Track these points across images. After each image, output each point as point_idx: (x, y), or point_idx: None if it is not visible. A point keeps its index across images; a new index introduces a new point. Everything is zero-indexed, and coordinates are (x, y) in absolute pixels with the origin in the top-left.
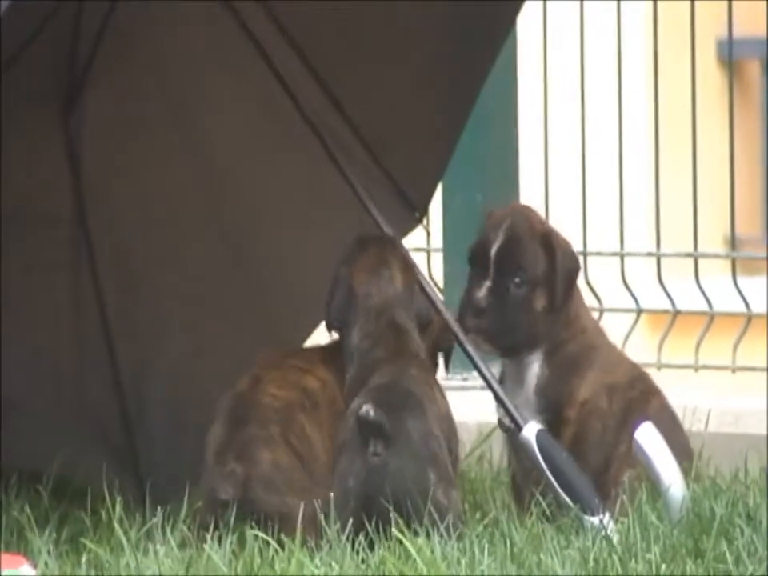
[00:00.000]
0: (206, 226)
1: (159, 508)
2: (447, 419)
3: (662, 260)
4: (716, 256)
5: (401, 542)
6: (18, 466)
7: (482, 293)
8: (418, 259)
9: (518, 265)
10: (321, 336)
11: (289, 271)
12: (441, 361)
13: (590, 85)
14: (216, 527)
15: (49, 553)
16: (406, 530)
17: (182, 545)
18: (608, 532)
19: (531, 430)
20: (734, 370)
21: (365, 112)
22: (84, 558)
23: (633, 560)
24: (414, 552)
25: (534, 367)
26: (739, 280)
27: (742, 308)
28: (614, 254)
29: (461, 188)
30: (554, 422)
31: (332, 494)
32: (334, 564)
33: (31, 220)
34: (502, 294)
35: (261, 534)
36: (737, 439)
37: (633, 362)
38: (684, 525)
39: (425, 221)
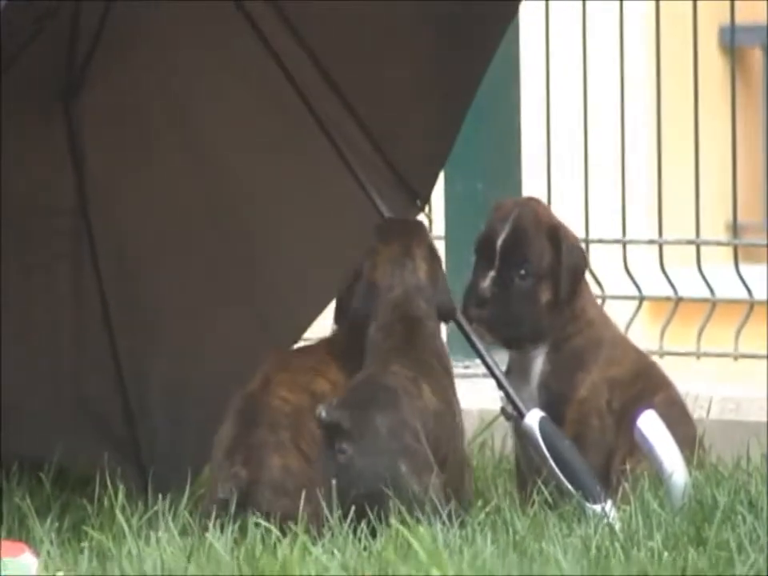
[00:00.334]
0: (206, 219)
1: (161, 496)
2: (438, 416)
3: (664, 247)
4: (718, 243)
5: (403, 531)
6: (20, 455)
7: (486, 283)
8: None
9: (523, 257)
10: (321, 329)
11: (290, 263)
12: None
13: (592, 72)
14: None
15: (51, 540)
16: (408, 518)
17: (184, 532)
18: (610, 520)
19: (534, 418)
20: (735, 358)
21: (366, 101)
22: (86, 546)
23: (635, 548)
24: (415, 542)
25: (539, 362)
26: (741, 267)
27: (744, 295)
28: (616, 242)
29: (463, 176)
30: (555, 419)
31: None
32: (336, 552)
33: (32, 213)
34: (507, 286)
35: (263, 522)
36: (738, 426)
37: (641, 355)
38: (686, 512)
39: (427, 209)
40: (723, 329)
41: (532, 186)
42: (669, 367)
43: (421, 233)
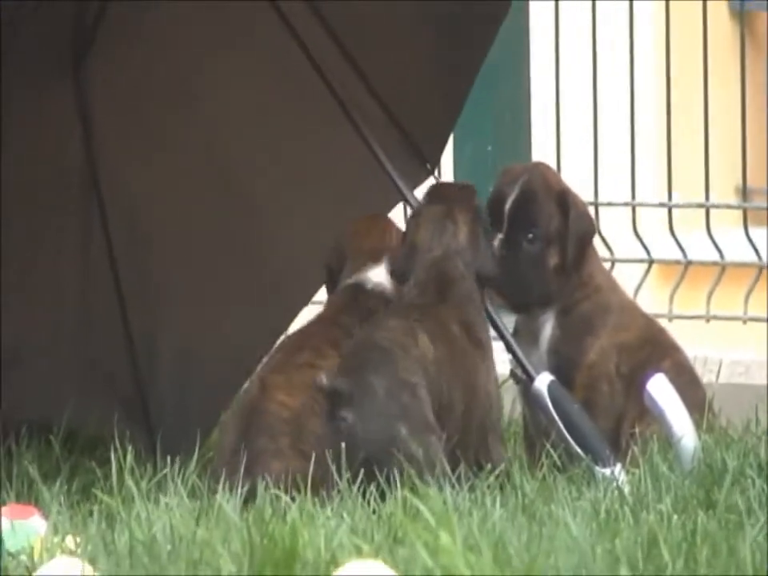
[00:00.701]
0: (218, 183)
1: (170, 459)
2: (438, 364)
3: (674, 211)
4: (727, 206)
5: (412, 493)
6: (29, 417)
7: (494, 245)
8: None
9: (531, 220)
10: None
11: (302, 226)
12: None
13: (601, 36)
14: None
15: (59, 503)
16: (416, 482)
17: (193, 496)
18: (619, 483)
19: (543, 381)
20: (745, 321)
21: (376, 66)
22: (95, 509)
23: (644, 511)
24: (423, 505)
25: (548, 327)
26: (750, 231)
27: (753, 259)
28: (626, 205)
29: (472, 139)
30: (564, 383)
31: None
32: (345, 515)
33: (41, 177)
34: (515, 249)
35: (271, 488)
36: (748, 390)
37: (649, 320)
38: (695, 476)
39: (436, 172)
40: (732, 292)
41: (541, 148)
42: (678, 331)
43: (466, 197)
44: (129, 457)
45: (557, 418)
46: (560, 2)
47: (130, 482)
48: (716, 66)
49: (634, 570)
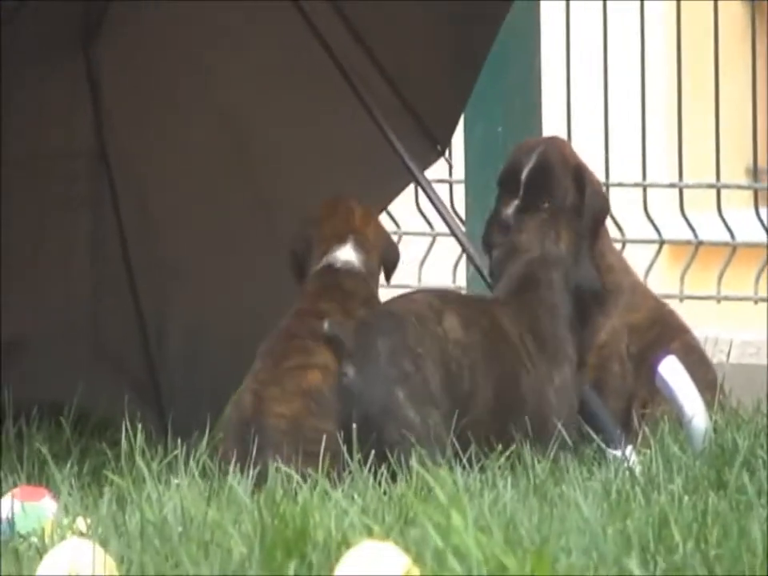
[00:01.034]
0: (228, 161)
1: (180, 440)
2: (466, 348)
3: (684, 191)
4: (738, 187)
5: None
6: (40, 399)
7: (509, 210)
8: (440, 191)
9: (548, 189)
10: None
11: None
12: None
13: (612, 16)
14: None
15: (70, 485)
16: (428, 463)
17: (204, 476)
18: (630, 464)
19: None
20: (756, 301)
21: (387, 47)
22: (106, 490)
23: (655, 491)
24: (435, 486)
25: None
26: (761, 211)
27: (763, 239)
28: (637, 185)
29: (483, 120)
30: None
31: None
32: (356, 496)
33: (52, 156)
34: (530, 215)
35: (282, 467)
36: (759, 370)
37: (658, 302)
38: (706, 456)
39: (447, 153)
40: (743, 273)
41: (552, 129)
42: (689, 311)
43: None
44: (139, 438)
45: None
46: None
47: (140, 463)
48: (727, 48)
49: (645, 551)
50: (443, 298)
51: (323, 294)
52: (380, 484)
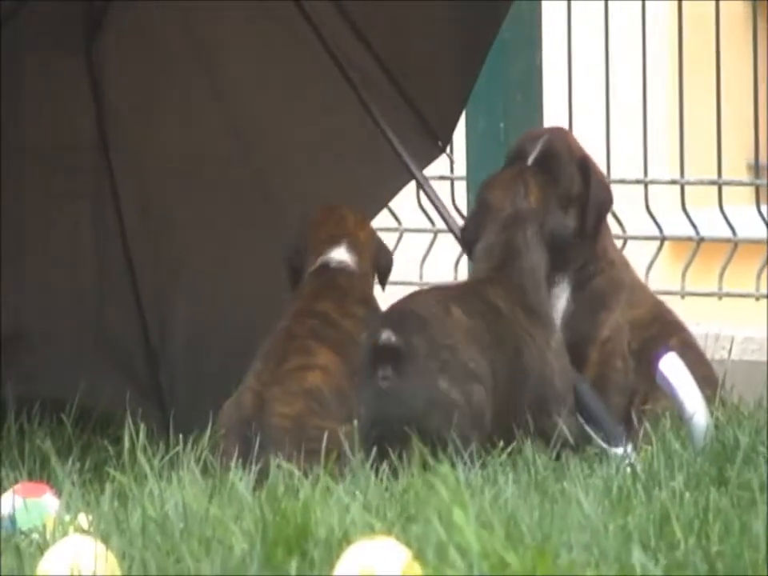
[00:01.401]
0: (231, 157)
1: (182, 437)
2: (471, 333)
3: (686, 187)
4: (740, 183)
5: (424, 470)
6: (42, 395)
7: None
8: (441, 187)
9: (553, 177)
10: None
11: (314, 203)
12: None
13: (614, 11)
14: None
15: (72, 481)
16: (429, 458)
17: (206, 473)
18: (631, 460)
19: None
20: (757, 298)
21: (388, 42)
22: (107, 487)
23: (657, 488)
24: (437, 482)
25: (562, 301)
26: (763, 207)
27: (765, 235)
28: (638, 182)
29: (484, 115)
30: (577, 360)
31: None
32: (357, 493)
33: (54, 151)
34: None
35: (284, 464)
36: (760, 367)
37: (656, 299)
38: (708, 453)
39: (448, 149)
40: (745, 269)
41: (553, 125)
42: (690, 308)
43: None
44: (141, 434)
45: None
46: None
47: (142, 459)
48: (728, 44)
49: (646, 547)
50: (441, 292)
51: (320, 294)
52: (381, 480)
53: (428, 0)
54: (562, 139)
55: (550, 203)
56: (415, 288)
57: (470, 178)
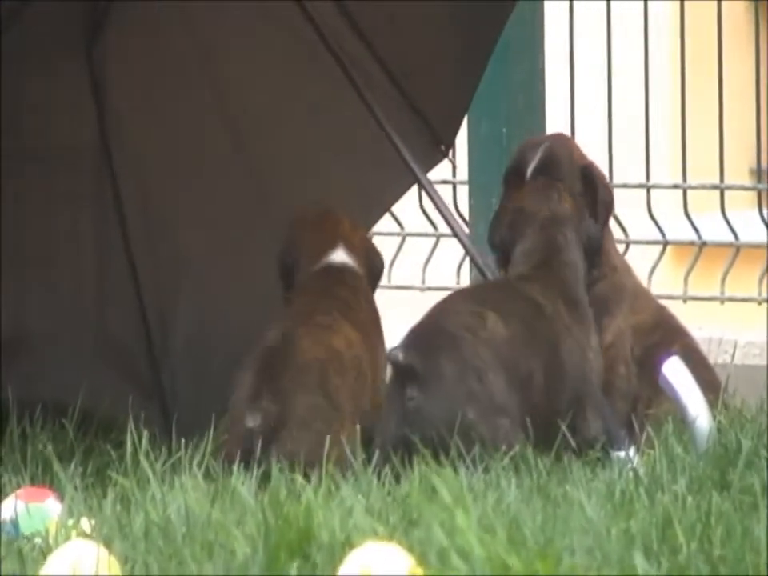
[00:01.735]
0: (231, 158)
1: (184, 441)
2: (511, 342)
3: (688, 192)
4: (742, 188)
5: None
6: (43, 398)
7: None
8: (443, 191)
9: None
10: None
11: (312, 203)
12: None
13: (616, 16)
14: (242, 460)
15: (74, 486)
16: (432, 462)
17: (208, 477)
18: (634, 464)
19: None
20: (759, 302)
21: (391, 46)
22: (110, 491)
23: (659, 492)
24: (440, 485)
25: None
26: (765, 212)
27: (767, 240)
28: (640, 186)
29: (486, 120)
30: None
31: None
32: (360, 497)
33: (55, 151)
34: None
35: (286, 469)
36: (762, 371)
37: (659, 305)
38: (710, 456)
39: (450, 154)
40: (747, 273)
41: (556, 129)
42: (692, 312)
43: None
44: (144, 439)
45: None
46: None
47: (144, 463)
48: (730, 48)
49: (649, 551)
50: (477, 298)
51: (326, 294)
52: (384, 484)
53: (431, 5)
54: (562, 146)
55: (582, 210)
56: (416, 293)
57: (472, 182)
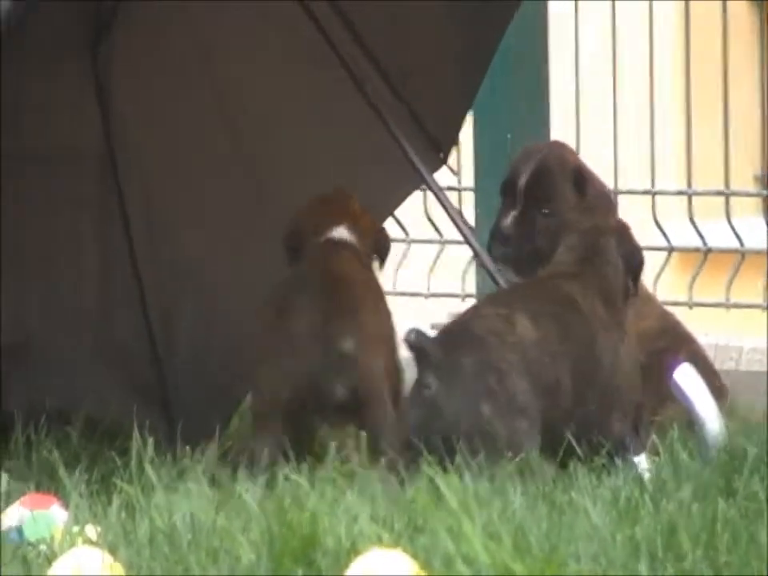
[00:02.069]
0: (234, 158)
1: (189, 447)
2: (541, 345)
3: (693, 198)
4: (747, 194)
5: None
6: (48, 406)
7: (508, 221)
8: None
9: (546, 196)
10: None
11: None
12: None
13: (621, 22)
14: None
15: (79, 493)
16: (438, 468)
17: (213, 484)
18: (640, 471)
19: None
20: (765, 309)
21: (390, 51)
22: (115, 498)
23: (664, 499)
24: (446, 492)
25: None
26: None
27: None
28: (646, 193)
29: (491, 127)
30: None
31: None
32: (365, 503)
33: (56, 152)
34: (530, 224)
35: (292, 476)
36: (764, 377)
37: (665, 311)
38: (715, 463)
39: (456, 159)
40: (752, 280)
41: (561, 136)
42: (698, 318)
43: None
44: (149, 446)
45: None
46: None
47: (150, 470)
48: (736, 54)
49: (654, 558)
50: (507, 302)
51: (332, 257)
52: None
53: (430, 9)
54: (555, 155)
55: (627, 227)
56: (421, 299)
57: (477, 188)
